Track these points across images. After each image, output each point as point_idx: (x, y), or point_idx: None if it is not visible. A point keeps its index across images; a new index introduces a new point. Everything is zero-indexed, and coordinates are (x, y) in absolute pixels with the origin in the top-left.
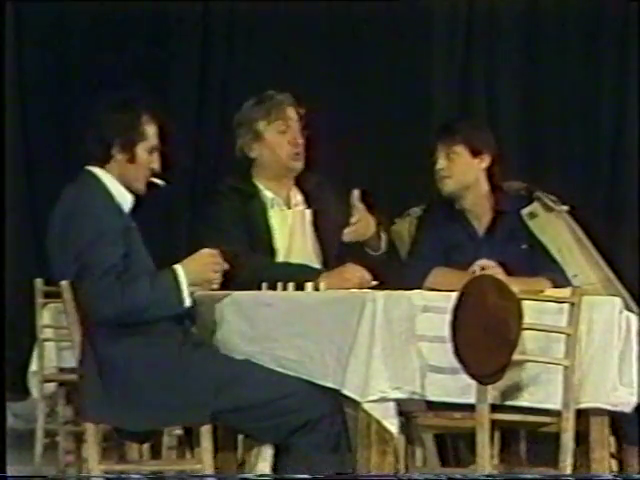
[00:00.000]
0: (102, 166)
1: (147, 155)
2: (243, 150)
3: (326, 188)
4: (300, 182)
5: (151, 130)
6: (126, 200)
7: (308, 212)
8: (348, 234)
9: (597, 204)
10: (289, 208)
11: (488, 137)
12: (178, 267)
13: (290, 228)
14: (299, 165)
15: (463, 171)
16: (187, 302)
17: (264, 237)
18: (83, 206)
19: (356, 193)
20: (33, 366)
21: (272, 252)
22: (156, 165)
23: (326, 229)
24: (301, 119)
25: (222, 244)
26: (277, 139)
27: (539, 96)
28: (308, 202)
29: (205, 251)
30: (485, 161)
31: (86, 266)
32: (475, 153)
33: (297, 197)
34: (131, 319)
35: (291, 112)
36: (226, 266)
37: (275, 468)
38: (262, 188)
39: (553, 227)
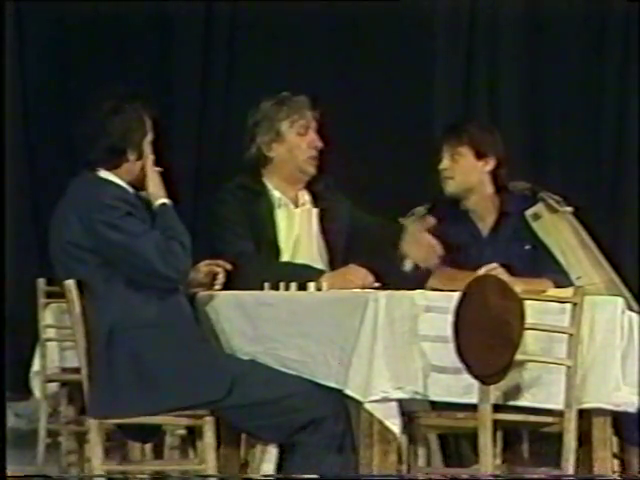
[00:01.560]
0: (109, 169)
1: (149, 148)
2: (261, 148)
3: (333, 190)
4: (309, 183)
5: (149, 123)
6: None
7: (315, 211)
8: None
9: (599, 205)
10: (296, 207)
11: (495, 140)
12: None
13: (296, 227)
14: (313, 170)
15: (466, 173)
16: None
17: (270, 236)
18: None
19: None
20: (35, 366)
21: (277, 251)
22: (152, 155)
23: (333, 229)
24: (317, 122)
25: (228, 242)
26: (297, 141)
27: (541, 97)
28: (316, 202)
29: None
30: (490, 164)
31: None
32: (480, 155)
33: (305, 197)
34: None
35: (310, 115)
36: (229, 267)
37: (279, 468)
38: (271, 188)
39: (557, 229)
